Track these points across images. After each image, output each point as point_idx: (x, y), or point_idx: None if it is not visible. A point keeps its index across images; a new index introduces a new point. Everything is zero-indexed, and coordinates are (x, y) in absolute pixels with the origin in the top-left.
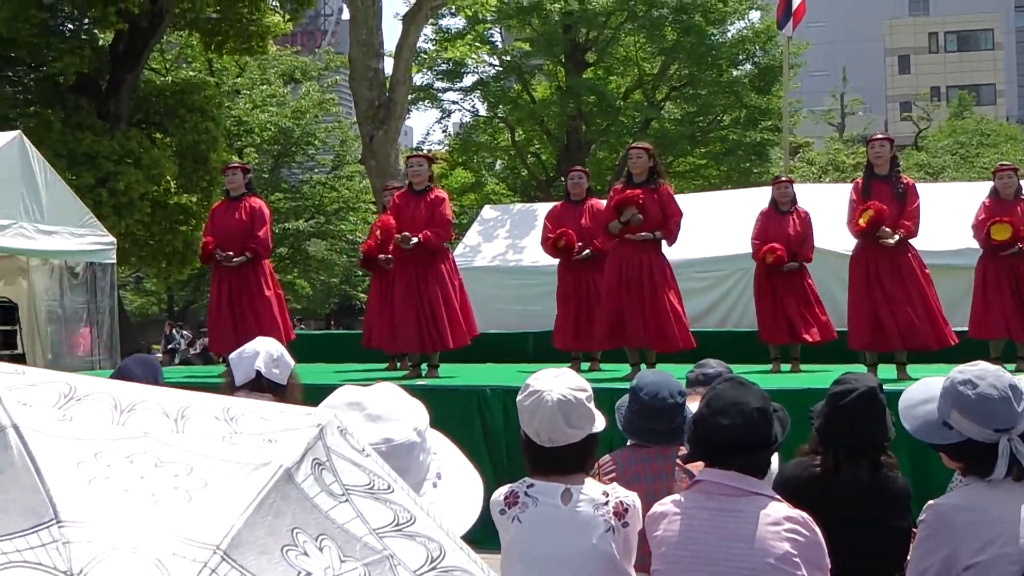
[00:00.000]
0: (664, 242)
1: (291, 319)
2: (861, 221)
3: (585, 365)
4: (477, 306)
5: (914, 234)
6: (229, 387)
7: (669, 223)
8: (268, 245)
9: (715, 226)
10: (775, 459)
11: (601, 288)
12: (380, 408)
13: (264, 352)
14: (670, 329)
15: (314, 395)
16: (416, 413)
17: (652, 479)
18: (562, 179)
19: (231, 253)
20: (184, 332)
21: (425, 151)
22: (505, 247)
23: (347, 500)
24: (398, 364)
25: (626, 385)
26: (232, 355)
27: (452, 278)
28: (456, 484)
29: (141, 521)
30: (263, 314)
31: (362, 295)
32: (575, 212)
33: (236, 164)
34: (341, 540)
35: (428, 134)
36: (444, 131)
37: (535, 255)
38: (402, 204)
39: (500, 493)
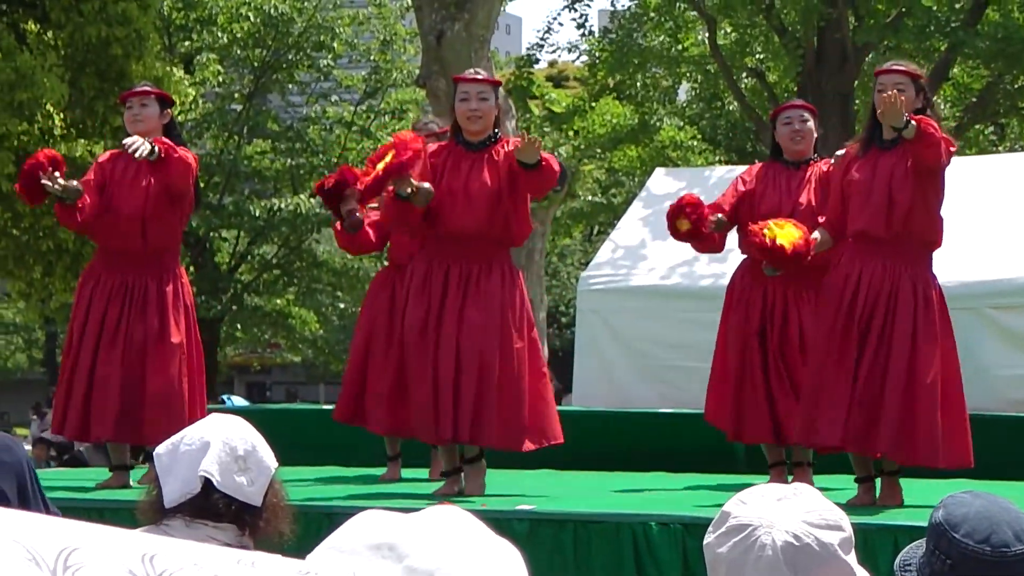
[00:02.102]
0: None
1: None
2: None
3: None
4: (640, 364)
5: None
6: (152, 509)
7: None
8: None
9: None
10: None
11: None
12: (432, 557)
13: (220, 443)
14: (924, 425)
15: (317, 529)
16: (502, 567)
17: None
18: None
19: (71, 184)
20: None
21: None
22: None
23: None
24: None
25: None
26: (159, 449)
27: (519, 308)
28: None
29: None
30: (155, 375)
31: None
32: (787, 180)
33: (146, 87)
34: None
35: (549, 31)
36: (580, 26)
37: None
38: (446, 168)
39: None
